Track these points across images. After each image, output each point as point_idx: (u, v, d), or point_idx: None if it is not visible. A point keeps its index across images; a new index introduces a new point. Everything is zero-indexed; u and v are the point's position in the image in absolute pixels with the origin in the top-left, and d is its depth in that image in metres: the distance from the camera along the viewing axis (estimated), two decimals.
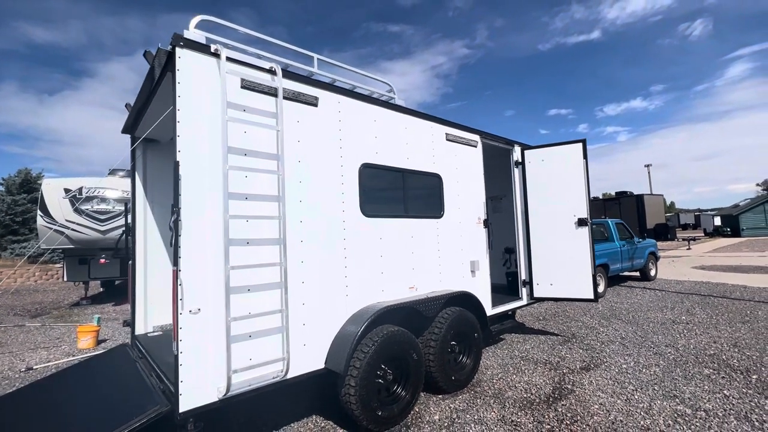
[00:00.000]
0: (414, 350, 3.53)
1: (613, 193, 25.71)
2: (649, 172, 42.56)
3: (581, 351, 5.07)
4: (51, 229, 9.39)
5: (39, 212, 9.90)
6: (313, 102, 3.31)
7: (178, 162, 2.50)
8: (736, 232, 33.46)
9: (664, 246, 22.79)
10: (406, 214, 4.02)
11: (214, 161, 2.65)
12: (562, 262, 5.43)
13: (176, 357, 2.44)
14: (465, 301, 4.35)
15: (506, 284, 6.58)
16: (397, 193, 4.03)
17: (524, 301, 5.62)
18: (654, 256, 11.17)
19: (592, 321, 6.61)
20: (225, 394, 2.54)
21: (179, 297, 2.45)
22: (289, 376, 2.93)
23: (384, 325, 3.44)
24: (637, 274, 11.00)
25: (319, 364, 3.16)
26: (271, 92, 2.99)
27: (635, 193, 24.27)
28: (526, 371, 4.46)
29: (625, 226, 10.48)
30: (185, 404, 2.43)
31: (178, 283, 2.46)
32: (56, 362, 5.68)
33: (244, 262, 2.77)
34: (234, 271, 2.70)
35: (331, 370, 3.13)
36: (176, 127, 2.53)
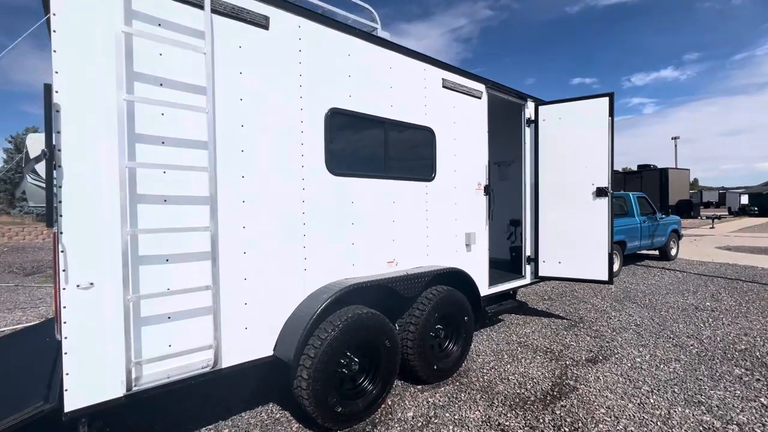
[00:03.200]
0: (387, 336, 2.96)
1: (635, 168, 24.28)
2: (675, 145, 40.31)
3: (589, 339, 4.46)
4: (40, 187, 9.01)
5: (25, 169, 9.49)
6: (261, 23, 2.56)
7: (50, 86, 1.84)
8: (764, 212, 31.70)
9: (686, 224, 21.60)
10: (386, 174, 3.33)
11: (111, 89, 1.98)
12: (573, 237, 4.71)
13: (59, 344, 1.90)
14: (455, 279, 3.72)
15: (509, 260, 5.94)
16: (377, 148, 3.32)
17: (527, 280, 4.99)
18: (676, 234, 10.29)
19: (603, 303, 5.96)
20: (130, 390, 2.02)
21: (61, 268, 1.88)
22: (224, 365, 2.40)
23: (351, 306, 2.86)
24: (656, 252, 10.19)
25: (266, 350, 2.62)
26: (197, 2, 2.26)
27: (658, 167, 22.84)
28: (522, 360, 3.89)
29: (648, 200, 9.57)
30: (73, 402, 1.92)
31: (59, 249, 1.87)
32: (26, 324, 5.37)
33: (161, 224, 2.17)
34: (145, 236, 2.11)
35: (280, 359, 2.60)
36: (52, 37, 1.86)
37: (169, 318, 2.20)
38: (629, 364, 3.75)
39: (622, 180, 22.74)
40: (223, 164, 2.39)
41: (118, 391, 2.02)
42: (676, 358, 3.89)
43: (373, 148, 3.30)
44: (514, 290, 5.02)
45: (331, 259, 2.97)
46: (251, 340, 2.54)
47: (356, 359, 2.85)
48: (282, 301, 2.69)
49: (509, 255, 5.98)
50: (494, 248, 6.58)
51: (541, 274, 4.94)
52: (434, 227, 3.76)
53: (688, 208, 24.05)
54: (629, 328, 4.81)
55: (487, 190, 4.33)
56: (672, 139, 40.65)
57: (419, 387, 3.38)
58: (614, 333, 4.63)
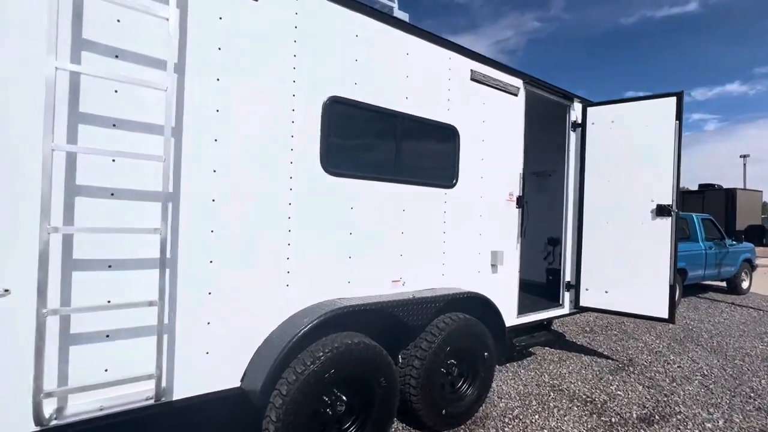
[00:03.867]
0: (383, 373, 2.43)
1: (695, 187, 22.00)
2: (744, 164, 36.39)
3: (641, 389, 3.65)
4: None
5: None
6: None
7: None
8: None
9: (758, 252, 19.17)
10: (396, 177, 2.83)
11: (34, 55, 1.63)
12: (625, 263, 3.94)
13: None
14: (475, 306, 3.12)
15: (545, 283, 5.19)
16: (386, 146, 2.83)
17: (565, 310, 4.25)
18: (750, 264, 8.90)
19: (659, 343, 5.03)
20: (42, 424, 1.63)
21: None
22: (177, 396, 1.98)
23: (341, 333, 2.36)
24: (723, 284, 8.84)
25: (231, 381, 2.18)
26: None
27: (723, 187, 20.50)
28: (555, 411, 3.19)
29: (714, 223, 8.33)
30: None
31: None
32: None
33: (107, 222, 1.80)
34: (83, 236, 1.75)
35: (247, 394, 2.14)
36: None
37: (107, 336, 1.82)
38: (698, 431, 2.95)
39: (680, 200, 20.64)
40: (190, 155, 2.00)
41: (22, 426, 1.64)
42: (762, 428, 3.02)
43: (381, 145, 2.82)
44: (549, 320, 4.29)
45: (322, 275, 2.49)
46: (214, 367, 2.10)
47: (343, 398, 2.34)
48: (255, 321, 2.24)
49: (545, 278, 5.23)
50: (527, 269, 5.86)
51: (582, 303, 4.18)
52: (453, 243, 3.19)
53: (761, 234, 21.38)
54: (694, 378, 3.93)
55: (521, 202, 3.70)
56: (740, 157, 36.73)
57: None
58: (674, 384, 3.77)
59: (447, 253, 3.16)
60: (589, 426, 2.97)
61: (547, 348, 4.69)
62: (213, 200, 2.08)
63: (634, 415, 3.14)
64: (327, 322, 2.26)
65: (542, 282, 5.34)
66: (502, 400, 3.34)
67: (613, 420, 3.06)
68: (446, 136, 3.15)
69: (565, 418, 3.07)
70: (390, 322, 2.61)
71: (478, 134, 3.35)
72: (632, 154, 3.95)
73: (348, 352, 2.27)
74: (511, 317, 3.66)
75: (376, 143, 2.79)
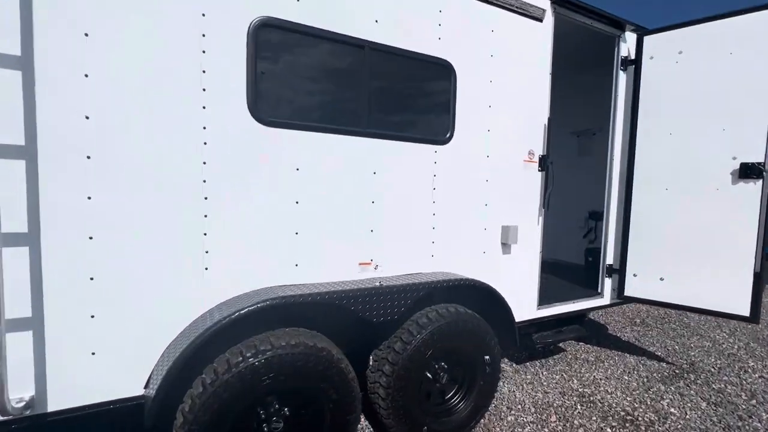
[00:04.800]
0: (331, 384, 1.86)
1: None
2: None
3: (704, 406, 2.79)
4: None
5: None
6: None
7: None
8: None
9: None
10: (363, 129, 2.16)
11: None
12: (690, 241, 3.00)
13: None
14: (474, 296, 2.44)
15: (584, 265, 4.31)
16: (348, 87, 2.14)
17: (605, 300, 3.40)
18: None
19: (733, 343, 4.00)
20: None
21: None
22: (53, 408, 1.56)
23: (278, 332, 1.82)
24: None
25: (132, 388, 1.72)
26: None
27: None
28: (580, 431, 2.47)
29: None
30: None
31: None
32: None
33: None
34: None
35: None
36: None
37: None
38: None
39: None
40: (46, 94, 1.49)
41: None
42: None
43: (341, 87, 2.14)
44: (585, 312, 3.47)
45: (256, 256, 1.94)
46: (103, 372, 1.66)
47: (275, 417, 1.82)
48: (161, 315, 1.75)
49: (584, 259, 4.33)
50: (565, 249, 4.97)
51: (628, 293, 3.30)
52: (446, 215, 2.48)
53: None
54: None
55: (544, 163, 2.86)
56: None
57: None
58: (753, 402, 2.85)
59: (438, 228, 2.47)
60: None
61: (582, 343, 3.88)
62: (88, 157, 1.57)
63: None
64: (255, 316, 1.71)
65: (580, 264, 4.45)
66: (512, 412, 2.66)
67: None
68: (437, 75, 2.39)
69: None
70: (346, 318, 2.01)
71: (483, 73, 2.54)
72: (707, 97, 2.91)
73: (279, 358, 1.72)
74: (528, 309, 2.93)
75: (334, 84, 2.12)
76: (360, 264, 2.22)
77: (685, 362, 3.49)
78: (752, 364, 3.48)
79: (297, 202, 2.01)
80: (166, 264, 1.73)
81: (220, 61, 1.79)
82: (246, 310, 1.69)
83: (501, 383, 3.05)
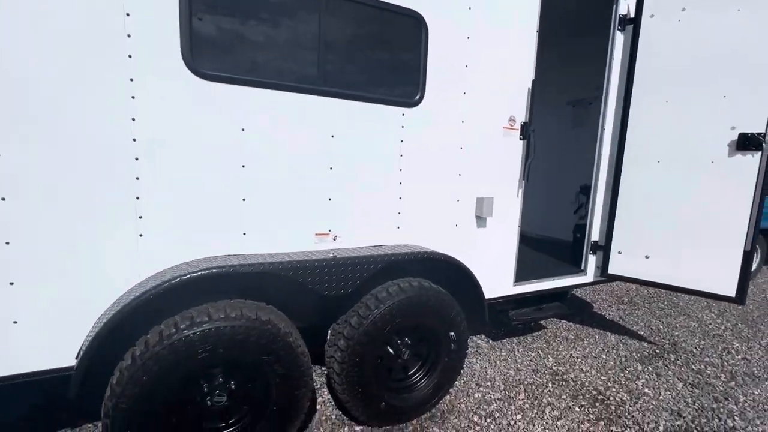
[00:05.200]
0: (277, 358, 1.76)
1: None
2: None
3: (680, 387, 2.70)
4: None
5: None
6: None
7: None
8: None
9: None
10: (319, 86, 1.97)
11: None
12: (679, 217, 2.83)
13: None
14: (438, 271, 2.32)
15: (572, 242, 4.17)
16: (301, 38, 1.93)
17: (587, 277, 3.27)
18: None
19: (720, 324, 3.89)
20: None
21: None
22: None
23: (219, 303, 1.71)
24: None
25: (61, 358, 1.64)
26: None
27: None
28: (547, 411, 2.40)
29: None
30: None
31: None
32: None
33: None
34: None
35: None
36: None
37: None
38: None
39: None
40: None
41: None
42: None
43: (294, 38, 1.93)
44: (567, 290, 3.36)
45: (197, 223, 1.80)
46: (29, 341, 1.56)
47: (219, 391, 1.74)
48: (90, 284, 1.64)
49: (572, 235, 4.18)
50: (555, 224, 4.81)
51: (612, 271, 3.17)
52: (414, 185, 2.32)
53: None
54: (764, 377, 2.87)
55: (526, 131, 2.65)
56: None
57: (359, 428, 2.18)
58: (732, 384, 2.76)
59: (405, 199, 2.31)
60: None
61: (564, 321, 3.79)
62: None
63: (661, 428, 2.26)
64: (194, 285, 1.59)
65: (569, 240, 4.31)
66: (480, 389, 2.60)
67: None
68: (405, 28, 2.16)
69: (558, 423, 2.27)
70: (305, 291, 1.90)
71: (459, 27, 2.31)
72: (710, 59, 2.65)
73: (216, 331, 1.62)
74: (504, 286, 2.81)
75: (285, 34, 1.90)
76: (317, 235, 2.09)
77: (667, 342, 3.39)
78: (737, 345, 3.38)
79: (243, 166, 1.85)
80: (93, 229, 1.60)
81: (147, 2, 1.59)
82: (177, 280, 1.57)
83: (474, 360, 2.98)
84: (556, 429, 2.22)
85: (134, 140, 1.63)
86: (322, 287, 1.88)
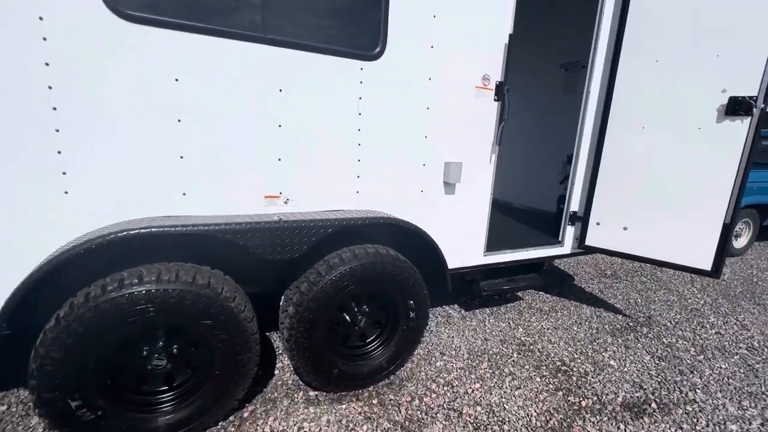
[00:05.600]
0: (217, 322, 1.70)
1: None
2: None
3: (647, 359, 2.67)
4: None
5: None
6: None
7: None
8: None
9: None
10: (263, 33, 1.79)
11: None
12: (660, 187, 2.70)
13: None
14: (399, 238, 2.23)
15: (555, 213, 4.06)
16: None
17: (564, 249, 3.18)
18: None
19: (699, 298, 3.84)
20: None
21: None
22: None
23: (164, 264, 1.64)
24: None
25: None
26: None
27: None
28: (507, 380, 2.37)
29: None
30: None
31: None
32: None
33: None
34: None
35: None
36: None
37: None
38: None
39: None
40: None
41: None
42: None
43: None
44: (542, 261, 3.28)
45: (129, 181, 1.69)
46: None
47: (158, 355, 1.69)
48: (9, 244, 1.55)
49: (555, 207, 4.06)
50: (540, 195, 4.67)
51: (589, 243, 3.07)
52: (375, 146, 2.18)
53: None
54: (735, 351, 2.83)
55: (501, 91, 2.48)
56: None
57: (314, 393, 2.17)
58: (701, 357, 2.73)
59: (365, 161, 2.18)
60: (543, 408, 2.14)
61: (542, 293, 3.74)
62: None
63: (619, 399, 2.24)
64: (111, 247, 1.51)
65: (552, 212, 4.20)
66: (444, 357, 2.57)
67: (583, 403, 2.19)
68: None
69: (516, 393, 2.25)
70: (249, 256, 1.81)
71: None
72: (705, 14, 2.42)
73: (147, 293, 1.55)
74: (474, 255, 2.72)
75: None
76: (266, 197, 1.98)
77: (642, 315, 3.35)
78: (713, 319, 3.33)
79: (179, 120, 1.72)
80: (9, 186, 1.50)
81: None
82: (101, 240, 1.48)
83: (442, 329, 2.95)
84: (513, 398, 2.20)
85: (50, 88, 1.49)
86: (266, 252, 1.79)
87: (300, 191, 2.05)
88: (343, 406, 2.08)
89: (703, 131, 2.50)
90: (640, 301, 3.67)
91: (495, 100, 2.48)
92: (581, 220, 3.09)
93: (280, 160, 1.96)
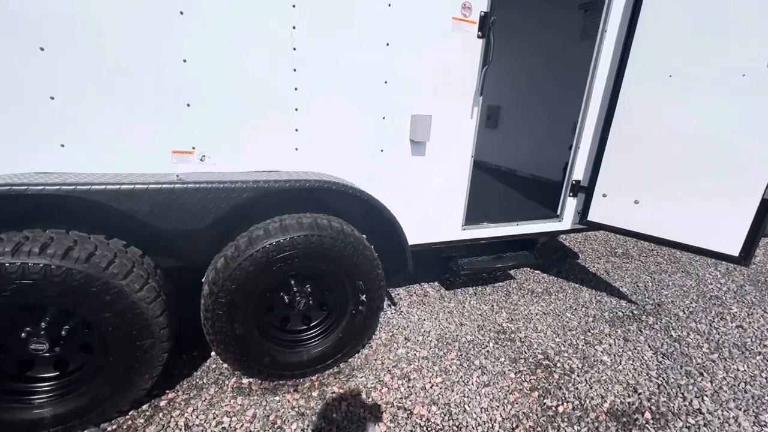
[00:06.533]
0: (101, 303, 1.40)
1: None
2: None
3: (648, 356, 2.27)
4: None
5: None
6: None
7: None
8: None
9: None
10: None
11: None
12: (684, 154, 2.18)
13: None
14: (350, 207, 1.84)
15: (560, 183, 3.55)
16: None
17: (563, 224, 2.73)
18: None
19: (723, 284, 3.34)
20: None
21: None
22: None
23: (45, 232, 1.33)
24: None
25: None
26: None
27: None
28: (474, 376, 2.04)
29: None
30: None
31: None
32: None
33: None
34: None
35: None
36: None
37: None
38: None
39: None
40: None
41: None
42: None
43: None
44: (536, 237, 2.85)
45: None
46: None
47: (37, 338, 1.42)
48: None
49: (561, 176, 3.55)
50: (545, 164, 4.13)
51: (592, 218, 2.61)
52: (317, 92, 1.75)
53: None
54: (757, 351, 2.39)
55: (485, 25, 1.96)
56: None
57: (247, 380, 1.90)
58: (715, 356, 2.30)
59: (303, 111, 1.76)
60: (510, 412, 1.80)
61: (538, 272, 3.34)
62: None
63: (606, 405, 1.87)
64: None
65: (556, 181, 3.69)
66: (408, 344, 2.25)
67: (560, 408, 1.84)
68: None
69: (482, 391, 1.92)
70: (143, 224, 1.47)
71: None
72: None
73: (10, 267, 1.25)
74: (448, 229, 2.32)
75: None
76: (174, 153, 1.61)
77: (651, 302, 2.91)
78: (735, 310, 2.86)
79: (42, 49, 1.34)
80: None
81: None
82: None
83: (413, 310, 2.62)
84: (477, 398, 1.88)
85: None
86: (160, 220, 1.45)
87: (220, 147, 1.68)
88: (277, 398, 1.81)
89: (747, 79, 1.94)
90: (651, 285, 3.22)
91: (478, 36, 1.97)
92: (585, 190, 2.61)
93: (189, 105, 1.57)
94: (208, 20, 1.50)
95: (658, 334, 2.49)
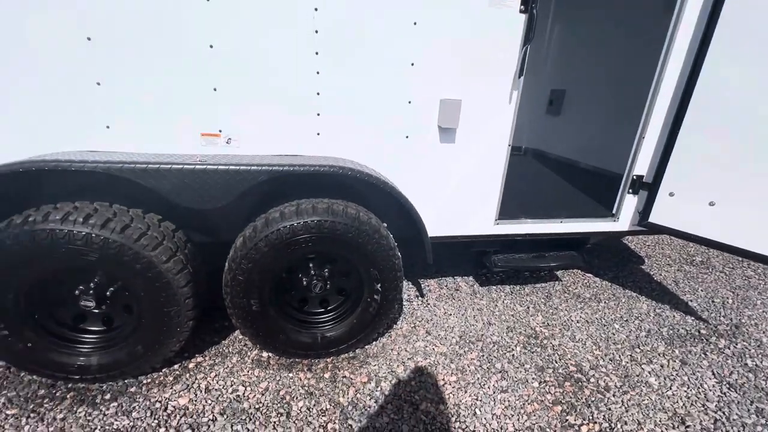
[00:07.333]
0: (133, 272, 1.55)
1: None
2: None
3: (711, 384, 1.94)
4: None
5: None
6: None
7: None
8: None
9: None
10: None
11: None
12: None
13: None
14: (371, 195, 1.81)
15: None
16: None
17: (619, 225, 2.41)
18: None
19: None
20: None
21: None
22: None
23: (88, 204, 1.52)
24: None
25: None
26: None
27: None
28: (495, 380, 1.91)
29: None
30: None
31: None
32: None
33: None
34: None
35: None
36: None
37: None
38: None
39: None
40: None
41: None
42: None
43: None
44: (585, 237, 2.57)
45: (41, 111, 1.54)
46: None
47: (86, 296, 1.62)
48: None
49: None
50: (609, 154, 3.65)
51: (655, 219, 2.27)
52: (339, 75, 1.72)
53: None
54: None
55: (531, 5, 1.74)
56: None
57: (267, 354, 2.00)
58: None
59: (325, 95, 1.75)
60: (525, 423, 1.66)
61: (590, 275, 3.02)
62: None
63: None
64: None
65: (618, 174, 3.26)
66: (428, 337, 2.19)
67: (584, 429, 1.65)
68: None
69: (498, 396, 1.80)
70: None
71: None
72: None
73: (51, 233, 1.44)
74: (480, 222, 2.19)
75: None
76: (203, 135, 1.71)
77: (726, 322, 2.48)
78: None
79: (89, 39, 1.48)
80: None
81: None
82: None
83: (441, 303, 2.53)
84: (492, 402, 1.77)
85: None
86: (182, 198, 1.55)
87: (244, 131, 1.74)
88: (290, 375, 1.88)
89: None
90: (731, 301, 2.74)
91: (521, 11, 1.77)
92: (648, 188, 2.27)
93: (215, 90, 1.64)
94: (233, 6, 1.54)
95: (728, 361, 2.12)
